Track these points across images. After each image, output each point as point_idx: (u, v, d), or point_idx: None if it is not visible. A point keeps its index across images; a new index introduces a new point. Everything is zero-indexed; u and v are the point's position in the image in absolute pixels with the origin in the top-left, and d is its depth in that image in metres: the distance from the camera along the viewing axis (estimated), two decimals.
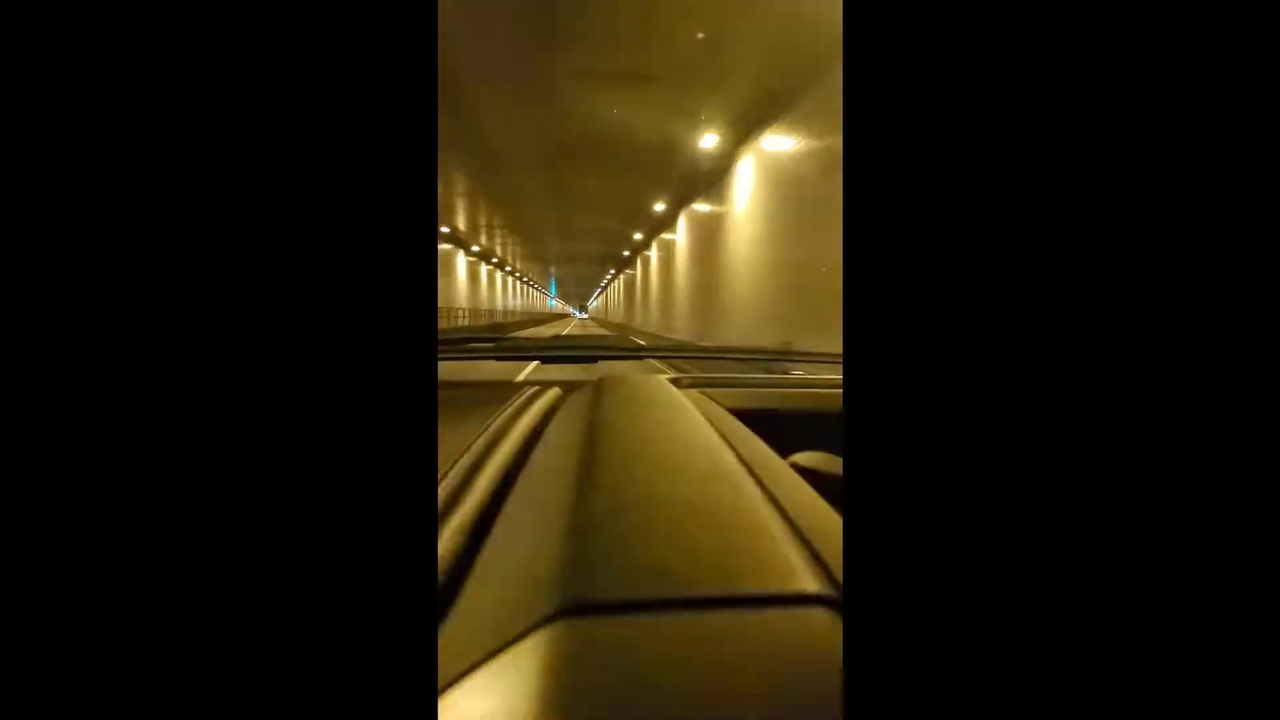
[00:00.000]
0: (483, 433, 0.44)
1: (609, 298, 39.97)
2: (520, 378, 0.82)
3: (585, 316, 51.97)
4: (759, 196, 7.67)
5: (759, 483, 0.30)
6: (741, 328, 8.16)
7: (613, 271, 32.54)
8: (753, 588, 0.20)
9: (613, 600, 0.19)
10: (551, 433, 0.46)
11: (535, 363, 1.08)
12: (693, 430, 0.40)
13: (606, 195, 11.89)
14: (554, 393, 0.63)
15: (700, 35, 5.05)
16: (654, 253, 17.60)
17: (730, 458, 0.34)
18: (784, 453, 0.41)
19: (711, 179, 9.45)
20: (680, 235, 13.21)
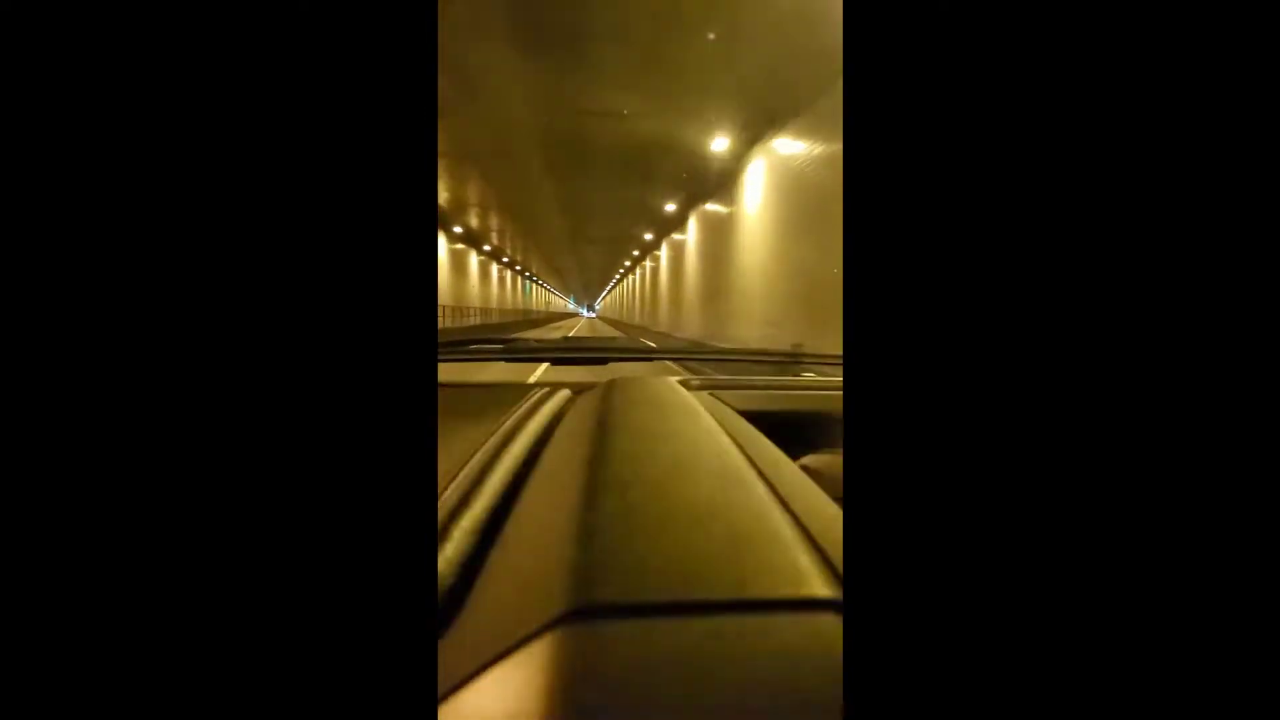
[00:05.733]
0: (493, 434, 0.44)
1: (616, 296, 39.72)
2: (531, 379, 0.82)
3: (594, 315, 51.88)
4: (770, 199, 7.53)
5: (769, 485, 0.29)
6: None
7: (622, 271, 32.27)
8: (762, 591, 0.20)
9: (621, 603, 0.19)
10: (561, 434, 0.46)
11: (546, 364, 1.09)
12: (703, 432, 0.40)
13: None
14: (564, 394, 0.63)
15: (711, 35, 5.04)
16: (664, 252, 17.41)
17: (740, 460, 0.33)
18: (794, 455, 0.41)
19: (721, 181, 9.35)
20: (690, 236, 13.02)
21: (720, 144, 7.93)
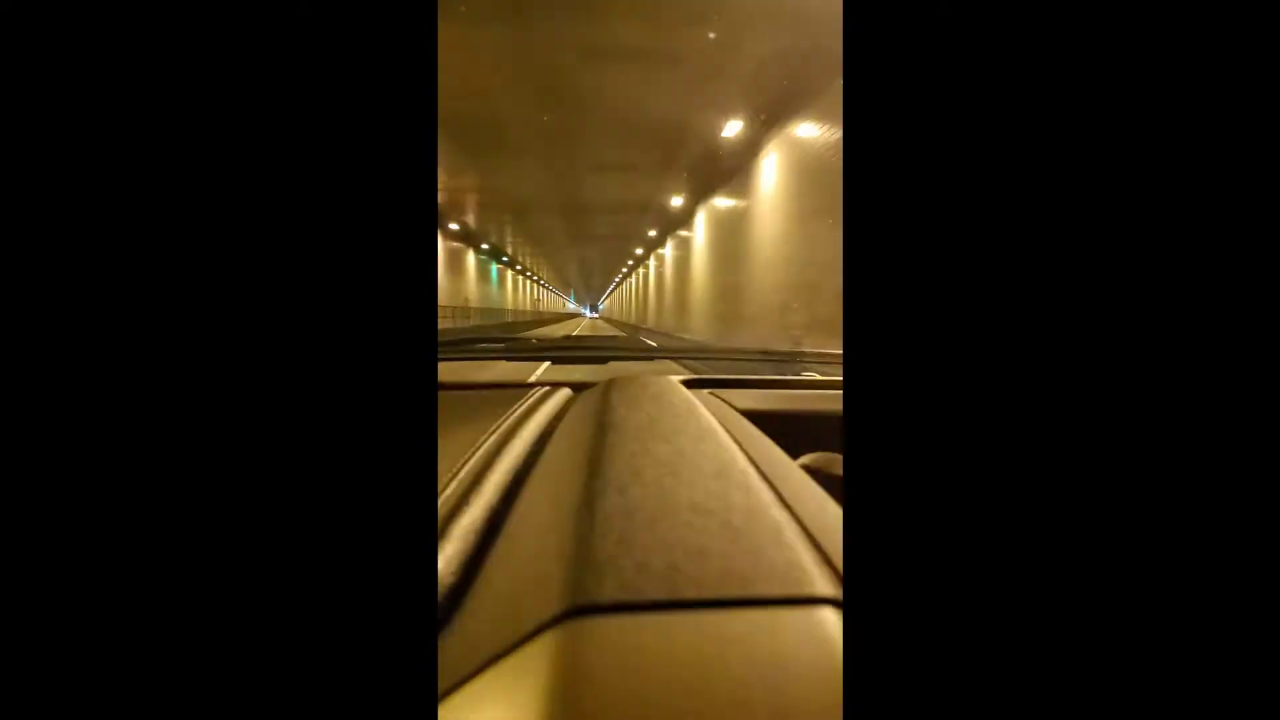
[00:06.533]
0: (493, 433, 0.44)
1: (621, 297, 38.56)
2: (531, 378, 0.82)
3: (596, 316, 50.85)
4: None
5: (769, 484, 0.29)
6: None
7: (625, 270, 31.50)
8: (762, 589, 0.20)
9: (620, 601, 0.19)
10: (562, 433, 0.46)
11: (547, 363, 1.09)
12: (703, 431, 0.40)
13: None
14: (564, 393, 0.63)
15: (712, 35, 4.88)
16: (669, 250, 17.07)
17: (740, 458, 0.33)
18: (795, 454, 0.41)
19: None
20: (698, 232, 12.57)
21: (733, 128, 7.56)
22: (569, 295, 54.97)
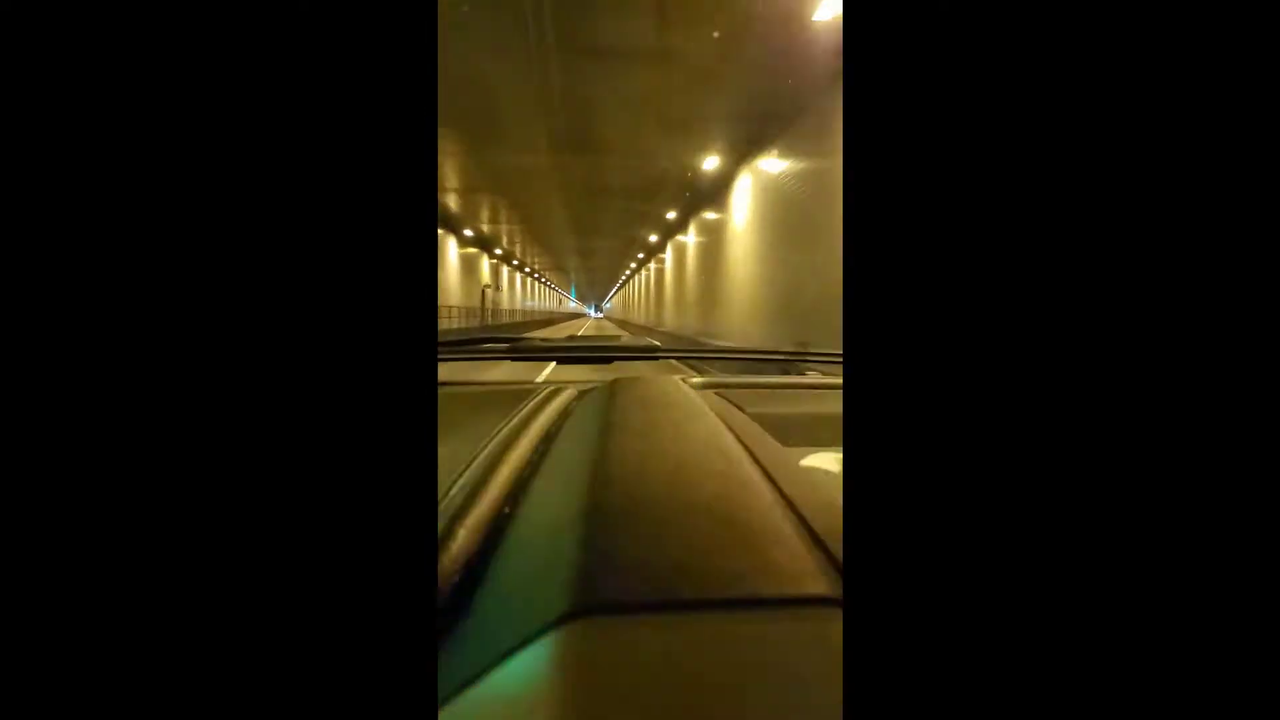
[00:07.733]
0: (498, 433, 0.44)
1: (625, 297, 38.19)
2: (536, 379, 0.82)
3: (600, 315, 50.25)
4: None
5: (773, 484, 0.29)
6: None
7: (631, 268, 30.95)
8: (766, 590, 0.20)
9: (625, 601, 0.19)
10: (567, 433, 0.46)
11: (552, 364, 1.09)
12: (707, 431, 0.40)
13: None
14: (569, 393, 0.63)
15: None
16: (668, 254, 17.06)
17: (745, 459, 0.33)
18: (799, 454, 0.41)
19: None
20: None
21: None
22: (570, 291, 49.99)
